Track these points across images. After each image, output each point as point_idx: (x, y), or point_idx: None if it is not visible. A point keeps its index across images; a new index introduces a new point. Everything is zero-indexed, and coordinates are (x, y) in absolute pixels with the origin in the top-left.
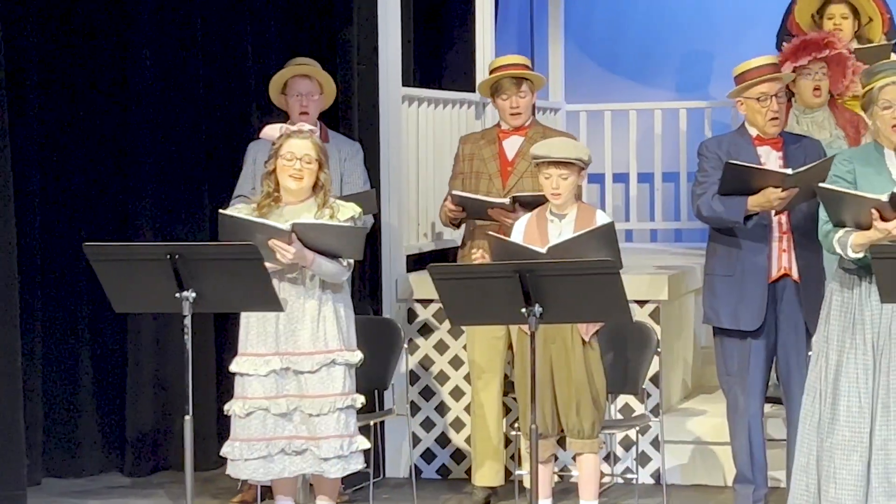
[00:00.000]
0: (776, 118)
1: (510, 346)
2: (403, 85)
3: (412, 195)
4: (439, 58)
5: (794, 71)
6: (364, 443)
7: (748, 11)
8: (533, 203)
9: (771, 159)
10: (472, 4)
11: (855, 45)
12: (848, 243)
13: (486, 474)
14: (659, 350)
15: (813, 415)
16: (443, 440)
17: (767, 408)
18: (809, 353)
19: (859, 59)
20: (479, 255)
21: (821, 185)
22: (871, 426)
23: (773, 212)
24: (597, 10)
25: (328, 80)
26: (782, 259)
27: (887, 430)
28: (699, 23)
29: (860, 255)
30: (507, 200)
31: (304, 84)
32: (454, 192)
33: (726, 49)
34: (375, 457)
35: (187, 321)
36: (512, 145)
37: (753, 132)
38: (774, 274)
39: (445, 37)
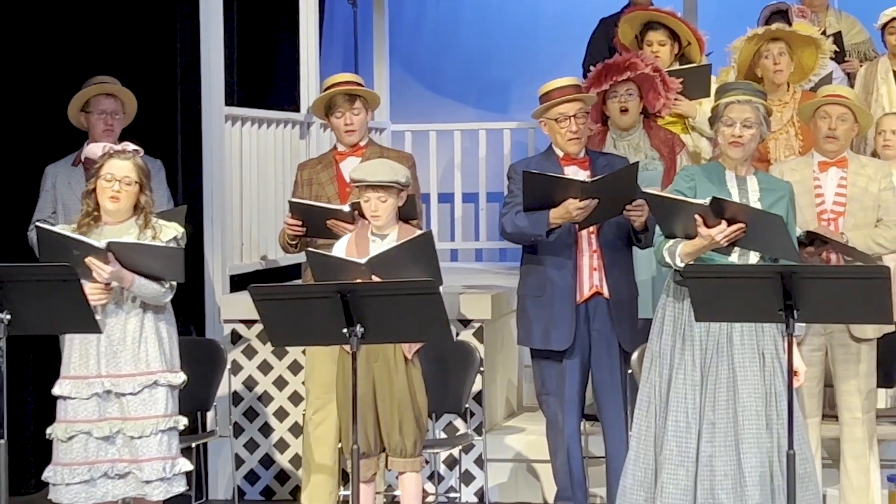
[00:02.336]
0: (575, 138)
1: None
2: (227, 104)
3: (236, 215)
4: (264, 77)
5: (599, 95)
6: (186, 465)
7: (571, 34)
8: None
9: (579, 178)
10: (296, 24)
11: (676, 66)
12: (676, 253)
13: (319, 495)
14: (482, 369)
15: (648, 429)
16: (267, 461)
17: (588, 425)
18: (629, 371)
19: (678, 78)
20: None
21: (646, 190)
22: (697, 442)
23: (583, 231)
24: (422, 32)
25: (130, 98)
26: (593, 277)
27: (712, 447)
28: (523, 45)
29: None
30: (346, 207)
31: (108, 102)
32: (292, 200)
33: (549, 70)
34: (198, 479)
35: (2, 343)
36: (349, 167)
37: (560, 153)
38: (586, 292)
39: (270, 56)
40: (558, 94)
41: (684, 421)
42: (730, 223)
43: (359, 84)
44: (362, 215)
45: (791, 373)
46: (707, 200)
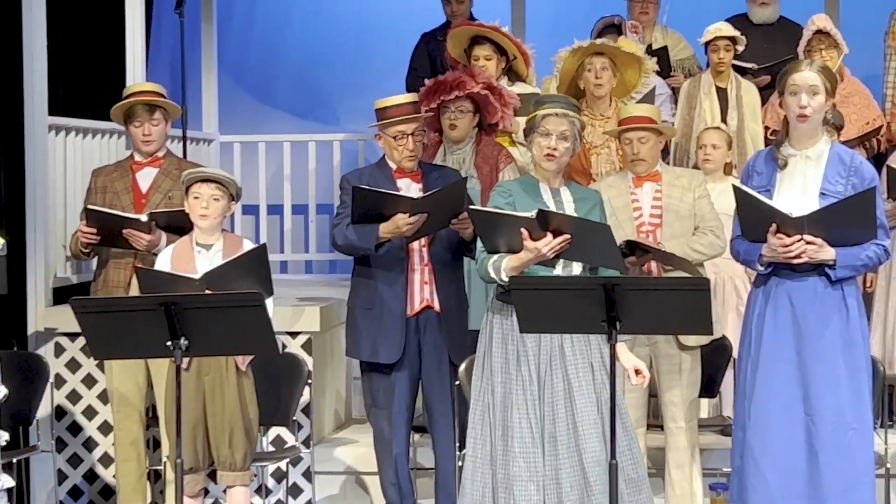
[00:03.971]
0: (412, 155)
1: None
2: (51, 114)
3: (59, 226)
4: (90, 87)
5: (429, 111)
6: (8, 481)
7: (401, 46)
8: (169, 223)
9: (412, 191)
10: (123, 34)
11: (505, 80)
12: (501, 268)
13: None
14: (310, 381)
15: (484, 447)
16: (91, 476)
17: (416, 437)
18: (457, 383)
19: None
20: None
21: (471, 206)
22: (543, 456)
23: (414, 245)
24: (251, 43)
25: None
26: (424, 291)
27: (557, 460)
28: (354, 57)
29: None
30: (143, 217)
31: None
32: (90, 207)
33: (380, 82)
34: (20, 495)
35: None
36: (146, 177)
37: (393, 165)
38: (417, 306)
39: (96, 66)
40: (396, 112)
41: (529, 437)
42: (555, 235)
43: (159, 94)
44: (160, 226)
45: (614, 383)
46: (533, 213)
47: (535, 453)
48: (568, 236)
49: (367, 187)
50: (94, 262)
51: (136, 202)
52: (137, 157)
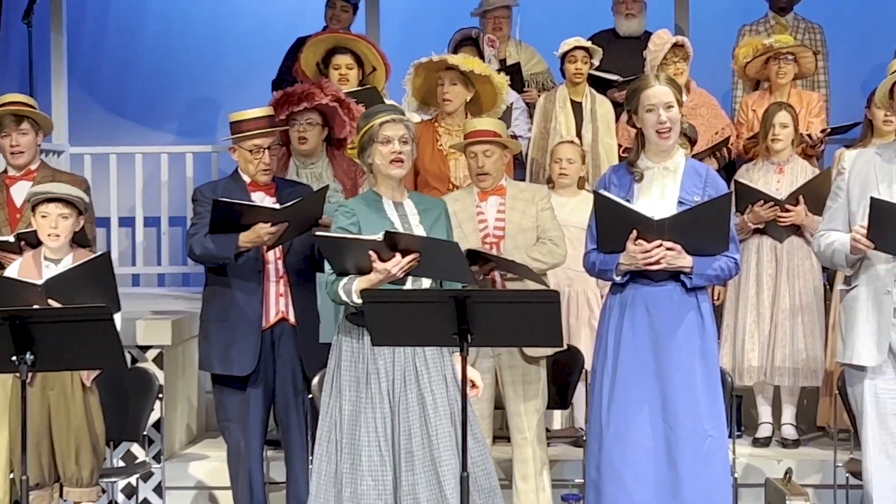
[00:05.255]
0: (268, 169)
1: None
2: None
3: None
4: None
5: (279, 122)
6: None
7: (254, 59)
8: (37, 241)
9: (266, 204)
10: None
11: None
12: (352, 290)
13: None
14: (161, 395)
15: (329, 466)
16: None
17: (270, 451)
18: (310, 396)
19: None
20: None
21: (318, 233)
22: (395, 473)
23: (269, 256)
24: (102, 53)
25: None
26: (279, 303)
27: (414, 476)
28: (206, 69)
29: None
30: (11, 238)
31: None
32: None
33: (232, 95)
34: None
35: None
36: (20, 191)
37: (247, 178)
38: (273, 318)
39: None
40: (252, 125)
41: (378, 455)
42: (403, 254)
43: (28, 105)
44: (30, 244)
45: (465, 395)
46: (380, 235)
47: (385, 471)
48: (417, 255)
49: (228, 199)
50: None
51: (10, 217)
52: (11, 172)
